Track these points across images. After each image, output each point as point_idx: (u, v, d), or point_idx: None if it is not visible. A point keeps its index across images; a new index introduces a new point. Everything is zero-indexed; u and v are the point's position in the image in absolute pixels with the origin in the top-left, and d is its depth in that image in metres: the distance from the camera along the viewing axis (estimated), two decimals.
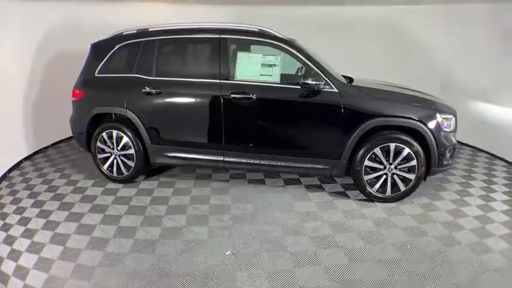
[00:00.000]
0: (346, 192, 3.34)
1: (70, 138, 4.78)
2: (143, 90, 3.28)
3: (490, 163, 4.19)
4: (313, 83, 2.92)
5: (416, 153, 2.90)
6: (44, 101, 4.42)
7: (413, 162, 2.93)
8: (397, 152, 2.94)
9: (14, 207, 3.06)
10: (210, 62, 3.23)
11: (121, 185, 3.51)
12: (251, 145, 3.18)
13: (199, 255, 2.39)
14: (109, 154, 3.53)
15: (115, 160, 3.52)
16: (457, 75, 4.85)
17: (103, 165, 3.58)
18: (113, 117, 3.57)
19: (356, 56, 5.13)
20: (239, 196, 3.26)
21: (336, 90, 2.97)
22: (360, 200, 3.16)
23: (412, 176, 2.97)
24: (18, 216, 2.90)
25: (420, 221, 2.83)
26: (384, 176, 3.02)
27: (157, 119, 3.33)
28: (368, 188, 3.06)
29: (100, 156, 3.56)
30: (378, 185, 3.04)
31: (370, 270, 2.24)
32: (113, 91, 3.43)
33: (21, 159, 4.17)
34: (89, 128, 3.53)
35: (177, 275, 2.19)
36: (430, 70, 5.09)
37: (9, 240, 2.56)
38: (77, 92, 3.55)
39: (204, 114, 3.22)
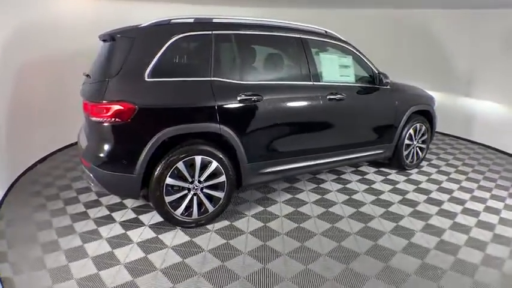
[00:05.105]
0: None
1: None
2: (239, 98, 2.58)
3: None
4: (387, 81, 3.45)
5: (427, 129, 4.07)
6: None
7: (426, 136, 4.08)
8: (419, 130, 3.99)
9: None
10: (298, 63, 2.99)
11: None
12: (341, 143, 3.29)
13: None
14: (185, 191, 2.52)
15: (194, 197, 2.56)
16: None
17: (175, 209, 2.50)
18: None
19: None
20: None
21: (389, 87, 3.62)
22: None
23: (425, 146, 4.13)
24: None
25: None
26: (412, 150, 4.02)
27: (256, 131, 2.73)
28: (406, 160, 3.96)
29: (170, 198, 2.46)
30: (410, 157, 4.00)
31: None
32: (195, 102, 2.45)
33: None
34: (149, 162, 2.35)
35: None
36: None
37: None
38: (122, 107, 2.24)
39: (305, 118, 2.99)
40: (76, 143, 4.50)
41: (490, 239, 2.63)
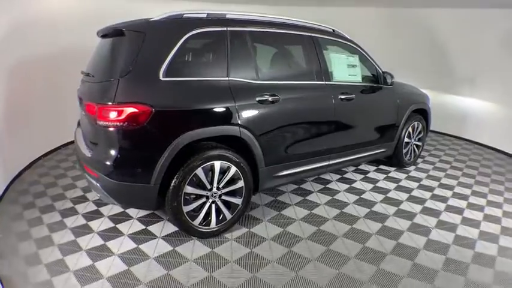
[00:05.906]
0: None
1: None
2: (258, 99, 2.46)
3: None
4: (391, 81, 3.49)
5: (423, 126, 4.19)
6: None
7: (422, 134, 4.20)
8: (417, 128, 4.09)
9: None
10: (310, 62, 2.92)
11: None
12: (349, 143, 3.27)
13: None
14: (203, 200, 2.36)
15: (213, 205, 2.40)
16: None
17: (193, 219, 2.34)
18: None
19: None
20: None
21: (391, 87, 3.67)
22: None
23: (421, 144, 4.24)
24: None
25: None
26: (410, 147, 4.11)
27: (273, 132, 2.62)
28: (405, 158, 4.05)
29: (188, 208, 2.29)
30: (408, 155, 4.10)
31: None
32: (215, 104, 2.29)
33: None
34: (167, 170, 2.17)
35: None
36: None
37: None
38: (137, 110, 2.04)
39: (319, 118, 2.93)
40: (62, 147, 4.24)
41: (499, 231, 2.73)
